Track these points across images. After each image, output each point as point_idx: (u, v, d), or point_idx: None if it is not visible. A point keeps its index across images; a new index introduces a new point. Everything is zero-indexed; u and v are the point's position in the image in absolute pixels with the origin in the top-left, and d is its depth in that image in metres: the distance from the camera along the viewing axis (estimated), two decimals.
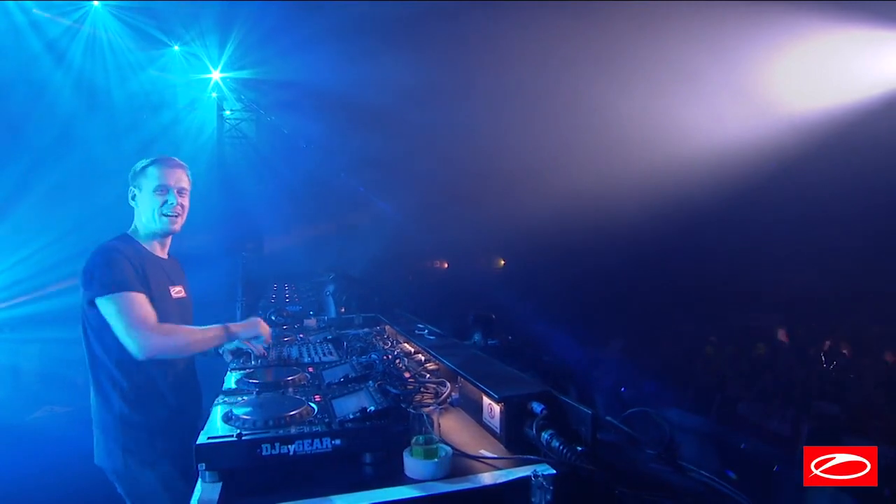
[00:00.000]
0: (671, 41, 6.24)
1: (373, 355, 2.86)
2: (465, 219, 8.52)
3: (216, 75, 7.28)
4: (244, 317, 4.31)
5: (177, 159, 2.36)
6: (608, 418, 2.22)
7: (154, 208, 2.27)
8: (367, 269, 6.63)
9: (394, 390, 2.30)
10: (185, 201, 2.34)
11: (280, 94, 7.74)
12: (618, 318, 7.60)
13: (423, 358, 2.92)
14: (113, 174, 2.26)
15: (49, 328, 4.74)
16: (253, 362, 2.74)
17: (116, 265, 2.13)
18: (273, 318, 3.95)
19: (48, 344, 4.84)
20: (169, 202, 2.25)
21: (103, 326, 2.13)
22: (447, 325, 3.64)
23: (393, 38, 6.64)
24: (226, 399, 2.13)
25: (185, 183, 2.33)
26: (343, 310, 4.60)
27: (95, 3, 5.70)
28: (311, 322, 3.92)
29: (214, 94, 7.61)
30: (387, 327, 3.77)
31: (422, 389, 2.44)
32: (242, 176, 7.75)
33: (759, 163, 6.74)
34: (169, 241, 2.44)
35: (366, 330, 3.76)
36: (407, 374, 2.63)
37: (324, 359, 2.84)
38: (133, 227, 2.39)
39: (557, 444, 1.79)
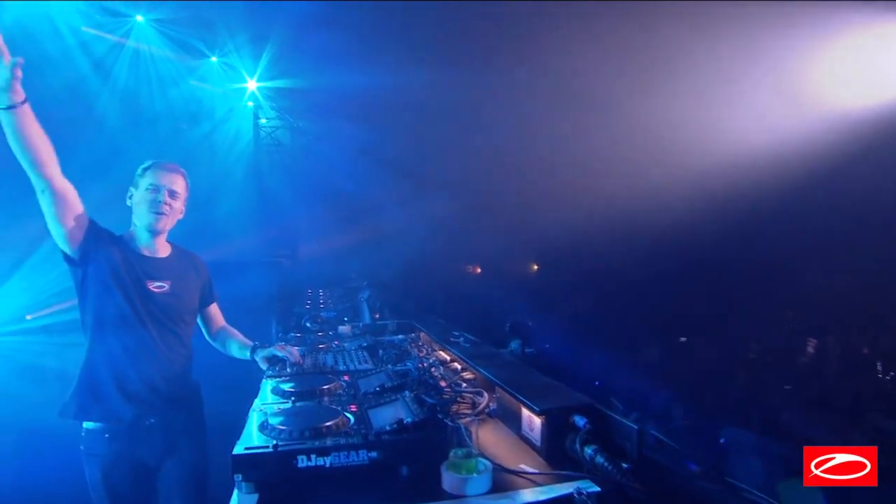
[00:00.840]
0: (711, 41, 6.04)
1: (408, 363, 2.81)
2: (498, 223, 8.43)
3: (252, 85, 7.39)
4: (280, 323, 4.39)
5: (176, 165, 2.41)
6: (653, 432, 2.12)
7: (143, 206, 2.31)
8: (399, 275, 6.62)
9: (430, 400, 2.24)
10: (177, 204, 2.37)
11: (313, 101, 7.82)
12: (653, 324, 7.39)
13: (459, 366, 2.86)
14: None
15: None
16: (288, 370, 2.73)
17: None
18: (308, 324, 3.96)
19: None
20: (157, 200, 2.28)
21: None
22: (481, 331, 3.57)
23: (424, 45, 6.61)
24: (261, 407, 2.12)
25: (179, 187, 2.36)
26: (377, 316, 4.59)
27: (139, 18, 5.83)
28: (345, 329, 3.90)
29: (251, 104, 7.73)
30: (422, 334, 3.73)
31: (458, 399, 2.38)
32: (278, 183, 7.85)
33: (806, 164, 6.45)
34: (160, 240, 2.43)
35: (400, 337, 3.72)
36: (443, 383, 2.57)
37: (359, 367, 2.80)
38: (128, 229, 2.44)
39: (602, 460, 1.71)
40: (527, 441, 2.04)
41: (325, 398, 2.28)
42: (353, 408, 2.09)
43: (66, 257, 2.21)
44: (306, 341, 3.50)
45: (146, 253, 2.38)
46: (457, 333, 3.28)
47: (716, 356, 6.92)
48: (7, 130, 1.94)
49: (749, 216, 7.24)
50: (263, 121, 7.93)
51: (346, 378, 2.60)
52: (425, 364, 2.76)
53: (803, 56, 6.25)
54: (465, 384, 2.62)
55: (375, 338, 3.65)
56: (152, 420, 2.27)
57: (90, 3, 5.34)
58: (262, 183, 7.62)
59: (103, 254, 2.22)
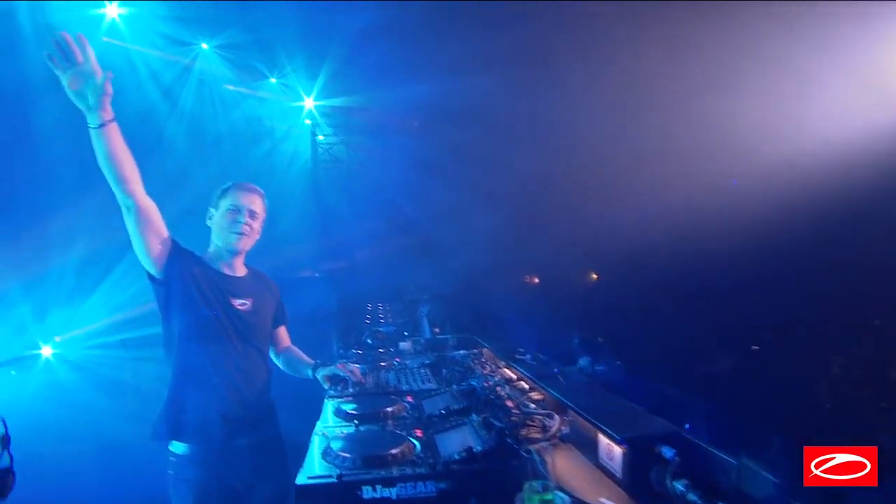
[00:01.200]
0: (784, 38, 5.63)
1: (472, 382, 2.70)
2: (555, 232, 8.17)
3: (309, 103, 7.54)
4: (341, 338, 4.38)
5: (254, 185, 2.40)
6: (745, 461, 1.90)
7: (224, 227, 2.28)
8: (456, 288, 6.50)
9: (498, 423, 2.12)
10: (256, 224, 2.35)
11: (369, 117, 7.89)
12: (725, 335, 6.92)
13: (526, 386, 2.71)
14: None
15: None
16: (350, 389, 2.66)
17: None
18: (369, 340, 3.91)
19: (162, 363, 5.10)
20: (238, 221, 2.26)
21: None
22: (545, 346, 3.41)
23: (477, 57, 6.52)
24: (324, 431, 2.05)
25: (258, 207, 2.34)
26: (437, 330, 4.48)
27: (204, 46, 6.03)
28: (406, 345, 3.84)
29: (308, 122, 7.88)
30: (484, 350, 3.60)
31: (527, 422, 2.23)
32: (335, 199, 7.95)
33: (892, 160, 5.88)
34: (239, 260, 2.39)
35: (462, 352, 3.59)
36: (509, 404, 2.45)
37: (422, 386, 2.71)
38: (207, 249, 2.41)
39: (695, 498, 1.53)
40: (605, 471, 1.87)
41: (389, 421, 2.19)
42: (419, 432, 1.99)
43: (150, 276, 2.20)
44: (367, 358, 3.45)
45: (227, 272, 2.35)
46: (521, 350, 3.13)
47: (795, 370, 6.41)
48: (97, 149, 1.97)
49: (829, 217, 6.68)
50: (321, 138, 8.06)
51: (409, 399, 2.51)
52: (490, 383, 2.64)
53: (881, 45, 5.75)
54: (533, 405, 2.47)
55: (437, 353, 3.59)
56: (242, 441, 2.19)
57: (161, 35, 5.56)
58: (321, 199, 7.73)
59: (187, 271, 2.20)
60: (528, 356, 3.01)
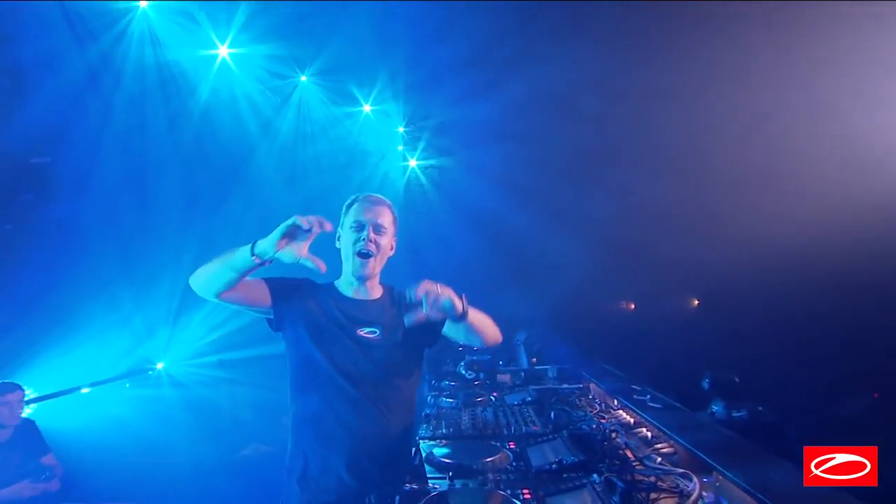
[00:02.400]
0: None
1: (583, 426, 2.30)
2: (653, 257, 7.51)
3: (400, 129, 7.54)
4: (432, 368, 4.10)
5: (379, 196, 2.08)
6: None
7: (348, 247, 1.99)
8: (553, 314, 6.09)
9: (621, 484, 1.71)
10: (384, 240, 2.00)
11: (460, 138, 7.74)
12: (854, 371, 5.92)
13: (648, 434, 2.26)
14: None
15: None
16: (443, 430, 2.34)
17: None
18: (465, 372, 3.61)
19: (255, 388, 5.20)
20: (361, 238, 1.95)
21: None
22: (656, 380, 2.94)
23: (575, 82, 6.23)
24: (414, 484, 1.73)
25: (385, 220, 2.01)
26: (534, 360, 4.11)
27: (303, 78, 6.17)
28: (504, 378, 3.51)
29: (400, 147, 7.87)
30: (591, 385, 3.18)
31: (659, 484, 1.79)
32: (426, 224, 7.82)
33: None
34: (373, 282, 2.05)
35: (566, 387, 3.25)
36: (630, 455, 2.02)
37: (526, 429, 2.34)
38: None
39: None
40: None
41: (490, 475, 1.84)
42: (527, 494, 1.62)
43: (269, 322, 2.00)
44: (459, 394, 3.13)
45: (355, 296, 2.04)
46: (638, 388, 2.68)
47: None
48: (232, 269, 1.76)
49: None
50: (413, 163, 8.03)
51: (511, 446, 2.14)
52: (606, 430, 2.21)
53: None
54: (660, 459, 2.02)
55: (538, 388, 3.23)
56: (373, 499, 1.80)
57: (266, 69, 5.75)
58: (411, 224, 7.64)
59: (297, 310, 1.95)
60: (648, 396, 2.55)
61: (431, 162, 8.29)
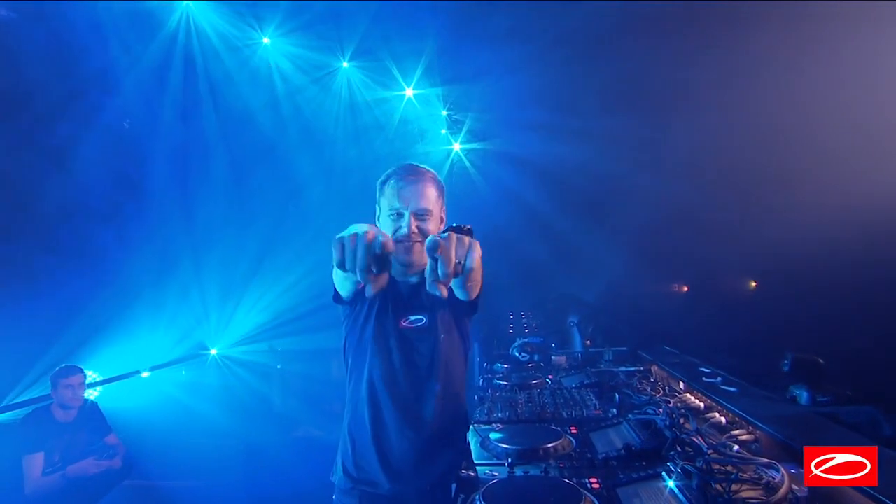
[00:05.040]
0: None
1: (649, 411, 2.12)
2: (706, 234, 7.08)
3: (444, 113, 7.41)
4: (483, 350, 3.98)
5: (420, 168, 1.80)
6: None
7: (388, 233, 1.68)
8: (604, 295, 5.86)
9: (698, 473, 1.53)
10: (430, 224, 1.73)
11: (504, 123, 7.52)
12: None
13: (722, 419, 2.05)
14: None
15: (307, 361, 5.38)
16: (499, 414, 2.21)
17: None
18: (518, 354, 3.46)
19: (305, 380, 5.31)
20: (401, 230, 1.70)
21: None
22: (726, 362, 2.73)
23: (626, 46, 5.91)
24: (469, 472, 1.60)
25: (429, 200, 1.74)
26: (588, 343, 3.92)
27: (344, 64, 6.11)
28: (560, 360, 3.38)
29: (444, 131, 7.72)
30: (653, 368, 2.98)
31: (740, 474, 1.60)
32: (470, 208, 7.66)
33: None
34: (417, 269, 1.82)
35: (624, 370, 3.07)
36: (703, 443, 1.82)
37: (587, 413, 2.17)
38: None
39: None
40: None
41: (552, 462, 1.69)
42: (595, 483, 1.47)
43: (338, 298, 1.78)
44: (513, 376, 3.00)
45: (400, 277, 1.83)
46: (706, 370, 2.46)
47: None
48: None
49: None
50: (456, 147, 7.89)
51: (573, 431, 1.98)
52: (675, 415, 2.02)
53: None
54: (737, 447, 1.82)
55: (596, 370, 3.09)
56: (427, 487, 1.69)
57: (306, 60, 5.76)
58: (456, 209, 7.52)
59: (363, 300, 1.79)
60: (719, 379, 2.33)
61: (475, 146, 8.10)
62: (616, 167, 7.15)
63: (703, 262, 7.51)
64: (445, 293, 1.09)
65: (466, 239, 1.14)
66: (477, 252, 1.16)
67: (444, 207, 1.84)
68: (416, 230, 1.69)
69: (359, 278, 1.06)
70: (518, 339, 3.67)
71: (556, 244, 7.30)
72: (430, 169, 1.81)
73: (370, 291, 1.09)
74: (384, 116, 6.84)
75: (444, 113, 7.49)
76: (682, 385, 2.51)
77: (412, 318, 1.76)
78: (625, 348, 3.57)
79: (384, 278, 1.10)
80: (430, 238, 1.07)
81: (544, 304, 5.24)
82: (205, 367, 5.13)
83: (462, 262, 1.11)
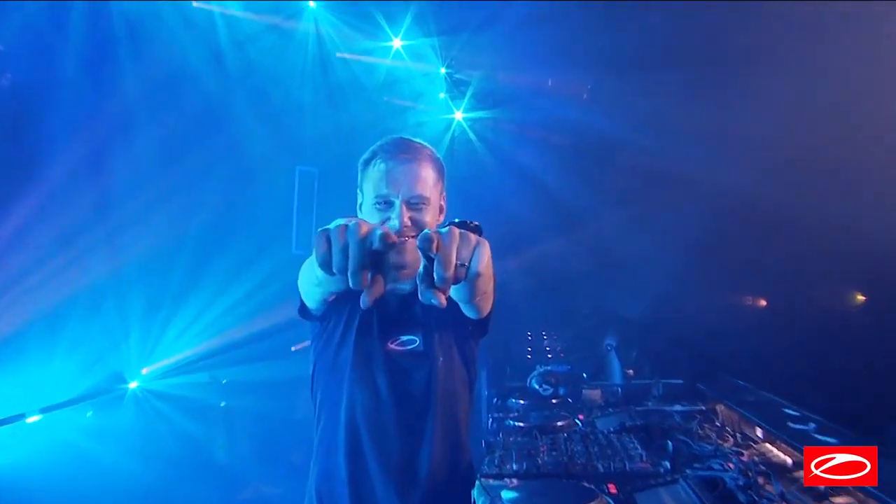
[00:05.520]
0: None
1: (715, 466, 2.09)
2: (792, 232, 7.00)
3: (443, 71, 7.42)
4: (492, 380, 3.95)
5: (414, 143, 1.84)
6: None
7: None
8: (652, 310, 5.82)
9: None
10: (425, 215, 1.76)
11: (524, 87, 7.51)
12: None
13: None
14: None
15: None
16: (514, 466, 2.15)
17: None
18: (538, 386, 3.45)
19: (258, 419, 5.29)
20: (391, 224, 1.71)
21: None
22: (819, 402, 2.70)
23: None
24: None
25: (424, 185, 1.77)
26: (632, 373, 3.98)
27: (311, 4, 6.13)
28: (593, 394, 3.42)
29: (442, 95, 7.70)
30: (719, 407, 3.00)
31: None
32: (477, 196, 7.63)
33: None
34: (412, 271, 1.84)
35: (680, 409, 3.07)
36: None
37: (630, 466, 2.13)
38: None
39: None
40: None
41: None
42: None
43: (304, 311, 1.82)
44: (531, 415, 3.00)
45: (388, 286, 1.80)
46: (795, 412, 2.42)
47: None
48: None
49: None
50: (458, 116, 7.87)
51: (612, 490, 1.93)
52: (751, 472, 1.98)
53: None
54: None
55: (642, 409, 3.13)
56: None
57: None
58: (459, 197, 7.49)
59: (337, 311, 1.82)
60: (812, 426, 2.29)
61: (484, 115, 8.07)
62: (670, 146, 7.08)
63: (787, 269, 7.41)
64: (444, 302, 1.03)
65: (473, 236, 1.09)
66: (486, 254, 1.10)
67: (445, 195, 1.89)
68: (408, 223, 1.71)
69: (351, 284, 1.01)
70: (539, 367, 3.72)
71: (588, 244, 7.24)
72: (426, 145, 1.86)
73: (366, 302, 1.05)
74: (365, 75, 6.82)
75: (443, 71, 7.46)
76: (759, 432, 2.50)
77: (403, 338, 1.80)
78: (680, 381, 3.60)
79: (381, 284, 1.06)
80: (423, 232, 1.02)
81: (573, 321, 5.29)
82: (120, 405, 5.00)
83: (466, 264, 1.05)
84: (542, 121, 7.78)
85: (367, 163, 1.80)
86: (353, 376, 1.75)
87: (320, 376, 1.83)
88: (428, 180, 1.77)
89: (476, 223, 1.58)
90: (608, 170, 7.53)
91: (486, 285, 1.35)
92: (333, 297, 1.62)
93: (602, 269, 6.92)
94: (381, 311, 1.80)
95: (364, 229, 1.01)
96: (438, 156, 1.88)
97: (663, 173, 7.19)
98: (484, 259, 1.08)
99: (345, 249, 1.00)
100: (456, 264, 1.02)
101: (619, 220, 7.32)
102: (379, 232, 1.00)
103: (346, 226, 1.03)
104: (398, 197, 1.71)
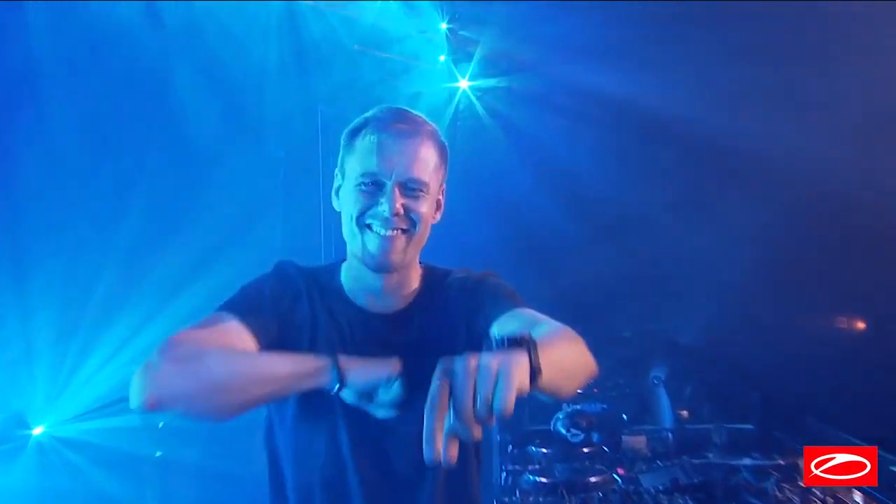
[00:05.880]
0: None
1: None
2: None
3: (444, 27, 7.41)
4: (506, 426, 3.91)
5: (413, 115, 1.86)
6: None
7: (351, 216, 1.76)
8: (707, 336, 5.80)
9: None
10: (422, 205, 1.76)
11: (547, 43, 7.49)
12: None
13: None
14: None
15: None
16: None
17: (248, 288, 1.81)
18: (565, 431, 3.41)
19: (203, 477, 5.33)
20: (378, 210, 1.71)
21: None
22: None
23: None
24: None
25: (424, 167, 1.76)
26: (686, 414, 4.03)
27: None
28: (637, 441, 3.44)
29: (443, 57, 7.68)
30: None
31: None
32: (486, 186, 7.64)
33: None
34: (405, 274, 1.89)
35: (751, 462, 3.06)
36: None
37: None
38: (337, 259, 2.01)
39: None
40: None
41: None
42: None
43: None
44: (557, 468, 3.03)
45: (369, 305, 1.89)
46: None
47: None
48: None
49: None
50: (464, 84, 7.87)
51: None
52: None
53: None
54: None
55: (699, 461, 3.16)
56: None
57: None
58: (462, 184, 7.49)
59: (290, 323, 1.81)
60: None
61: (495, 83, 8.09)
62: (738, 122, 7.04)
63: (886, 287, 7.35)
64: (454, 458, 1.04)
65: (495, 364, 1.06)
66: (513, 388, 1.05)
67: (444, 187, 1.90)
68: (401, 211, 1.69)
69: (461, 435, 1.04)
70: (566, 406, 3.75)
71: (629, 249, 7.24)
72: (428, 121, 1.85)
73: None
74: (345, 30, 6.83)
75: (444, 27, 7.46)
76: (858, 497, 2.48)
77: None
78: (750, 426, 3.70)
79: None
80: (431, 392, 1.03)
81: (609, 347, 5.18)
82: (19, 458, 4.98)
83: (489, 404, 1.03)
84: (572, 91, 7.75)
85: (353, 134, 1.79)
86: (321, 426, 1.76)
87: (276, 432, 1.84)
88: (429, 162, 1.77)
89: (526, 335, 1.50)
90: (657, 154, 7.50)
91: (560, 381, 1.38)
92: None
93: (647, 280, 6.91)
94: (356, 338, 1.81)
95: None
96: (442, 137, 1.89)
97: (728, 157, 7.14)
98: (510, 398, 1.02)
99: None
100: (474, 409, 1.01)
101: (670, 219, 7.29)
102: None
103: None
104: (391, 177, 1.69)
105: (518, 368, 1.08)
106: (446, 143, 1.88)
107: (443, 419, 1.01)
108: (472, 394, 1.00)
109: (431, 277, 1.95)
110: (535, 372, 1.20)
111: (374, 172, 1.68)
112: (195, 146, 6.00)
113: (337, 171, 1.86)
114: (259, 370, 1.54)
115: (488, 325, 1.81)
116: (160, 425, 5.56)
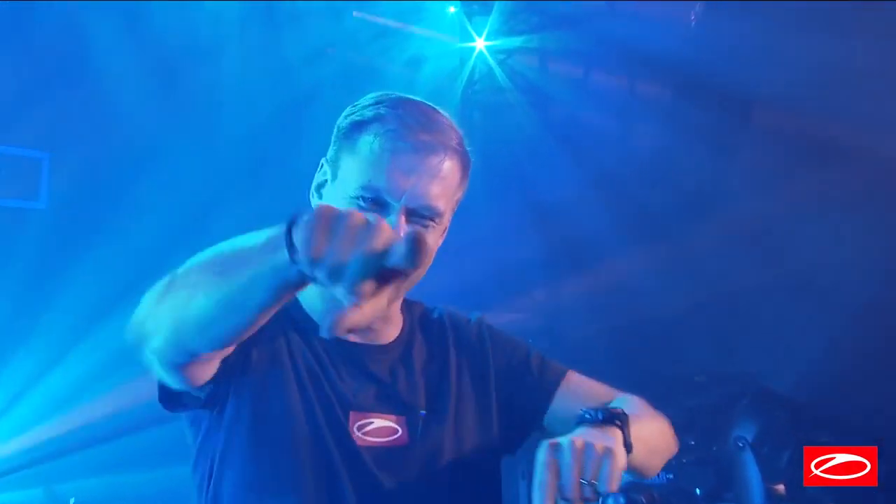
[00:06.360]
0: None
1: None
2: None
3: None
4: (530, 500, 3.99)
5: (440, 118, 1.88)
6: None
7: None
8: (807, 380, 5.88)
9: None
10: (430, 238, 1.82)
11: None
12: None
13: None
14: None
15: None
16: None
17: None
18: None
19: None
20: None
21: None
22: None
23: None
24: None
25: (443, 192, 1.83)
26: (782, 487, 4.00)
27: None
28: None
29: (452, 9, 7.74)
30: None
31: None
32: (507, 172, 7.71)
33: None
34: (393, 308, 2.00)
35: None
36: None
37: None
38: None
39: None
40: None
41: None
42: None
43: (175, 401, 1.84)
44: None
45: (354, 337, 1.95)
46: None
47: None
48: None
49: None
50: (480, 43, 7.98)
51: None
52: None
53: None
54: None
55: None
56: None
57: None
58: (483, 165, 7.59)
59: (252, 375, 1.87)
60: None
61: (520, 43, 8.15)
62: (840, 101, 7.12)
63: None
64: None
65: (600, 446, 1.38)
66: (619, 466, 1.41)
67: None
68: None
69: (346, 295, 1.10)
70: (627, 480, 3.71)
71: (702, 267, 7.30)
72: (453, 122, 1.92)
73: (335, 330, 1.12)
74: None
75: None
76: None
77: (376, 422, 1.90)
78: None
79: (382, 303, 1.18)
80: (537, 469, 1.33)
81: (677, 396, 5.25)
82: None
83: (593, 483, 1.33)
84: (620, 57, 7.81)
85: (357, 128, 1.83)
86: (288, 488, 1.81)
87: (230, 493, 1.85)
88: (450, 185, 1.84)
89: (620, 411, 1.67)
90: (731, 140, 7.57)
91: (647, 459, 1.72)
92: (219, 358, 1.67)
93: (724, 307, 6.95)
94: (336, 369, 1.91)
95: (386, 235, 1.07)
96: (464, 143, 1.92)
97: (826, 145, 7.21)
98: (616, 477, 1.34)
99: (353, 243, 1.05)
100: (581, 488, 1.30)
101: (761, 223, 7.34)
102: (409, 248, 1.03)
103: (367, 220, 1.08)
104: (400, 199, 1.75)
105: (619, 447, 1.39)
106: (469, 152, 1.94)
107: (553, 498, 1.27)
108: (578, 473, 1.27)
109: (411, 311, 2.12)
110: (628, 448, 1.51)
111: (378, 188, 1.74)
112: (125, 133, 6.14)
113: (325, 163, 1.93)
114: (221, 254, 1.48)
115: (541, 398, 2.05)
116: (71, 501, 5.64)
